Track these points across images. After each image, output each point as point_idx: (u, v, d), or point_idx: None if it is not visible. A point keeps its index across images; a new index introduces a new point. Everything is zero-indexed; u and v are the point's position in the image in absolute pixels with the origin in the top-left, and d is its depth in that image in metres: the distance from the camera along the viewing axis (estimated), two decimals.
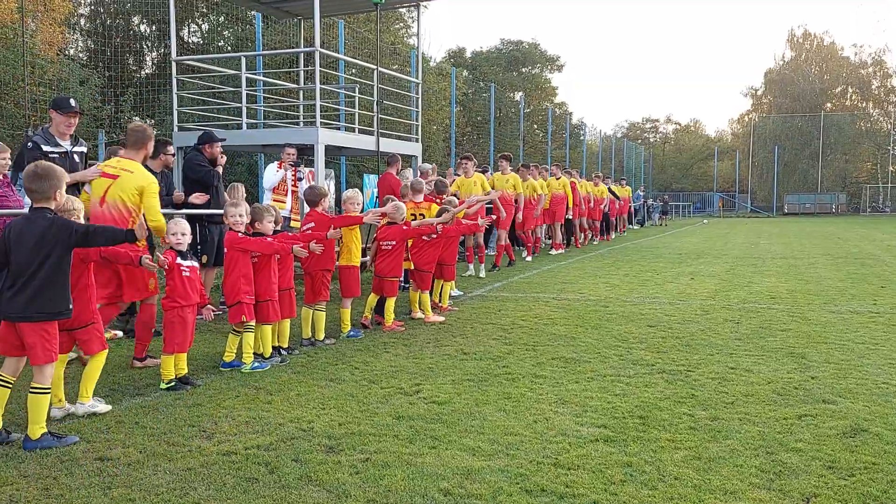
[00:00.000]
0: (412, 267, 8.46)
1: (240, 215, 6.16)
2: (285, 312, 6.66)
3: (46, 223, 4.32)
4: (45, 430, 4.29)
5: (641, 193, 35.35)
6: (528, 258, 15.47)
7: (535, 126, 50.83)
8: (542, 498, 3.52)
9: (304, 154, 11.08)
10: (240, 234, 6.15)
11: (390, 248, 7.77)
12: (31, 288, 4.25)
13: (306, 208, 7.58)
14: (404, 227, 7.81)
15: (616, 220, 25.15)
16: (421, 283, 8.41)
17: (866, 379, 5.69)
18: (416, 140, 13.54)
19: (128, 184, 5.93)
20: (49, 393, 4.38)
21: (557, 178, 17.39)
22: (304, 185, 10.35)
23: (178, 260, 5.42)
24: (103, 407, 4.92)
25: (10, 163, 7.45)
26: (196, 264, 5.63)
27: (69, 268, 4.47)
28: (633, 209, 33.55)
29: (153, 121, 18.65)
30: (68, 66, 17.07)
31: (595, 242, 21.39)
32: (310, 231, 6.99)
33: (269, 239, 6.26)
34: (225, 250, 6.21)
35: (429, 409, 4.94)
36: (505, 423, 4.63)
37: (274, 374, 5.89)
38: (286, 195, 10.06)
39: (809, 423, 4.62)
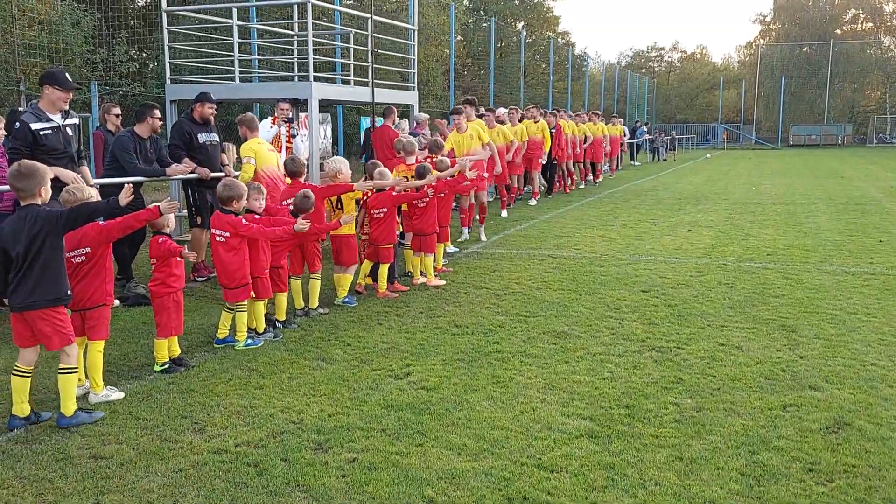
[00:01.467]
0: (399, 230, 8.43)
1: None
2: (282, 287, 6.69)
3: (33, 217, 4.36)
4: (77, 406, 4.44)
5: (644, 128, 34.74)
6: (504, 213, 14.42)
7: (538, 57, 49.90)
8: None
9: (299, 107, 10.92)
10: (244, 219, 6.04)
11: (382, 215, 7.73)
12: (30, 279, 4.37)
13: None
14: (394, 194, 7.75)
15: (608, 160, 24.08)
16: (425, 246, 8.39)
17: (854, 359, 5.73)
18: (413, 89, 13.30)
19: None
20: (76, 371, 4.58)
21: (536, 122, 15.97)
22: (297, 142, 10.24)
23: (171, 245, 5.40)
24: (117, 395, 5.01)
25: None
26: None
27: (62, 253, 4.51)
28: (635, 146, 33.25)
29: (150, 62, 18.27)
30: (59, 7, 16.65)
31: (581, 186, 20.83)
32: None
33: (261, 225, 6.18)
34: (223, 231, 6.05)
35: (417, 396, 5.00)
36: (492, 414, 4.69)
37: (267, 353, 5.94)
38: (280, 152, 9.94)
39: (794, 415, 4.67)
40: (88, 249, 4.79)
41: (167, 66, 11.07)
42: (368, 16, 11.59)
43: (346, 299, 7.52)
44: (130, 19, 18.92)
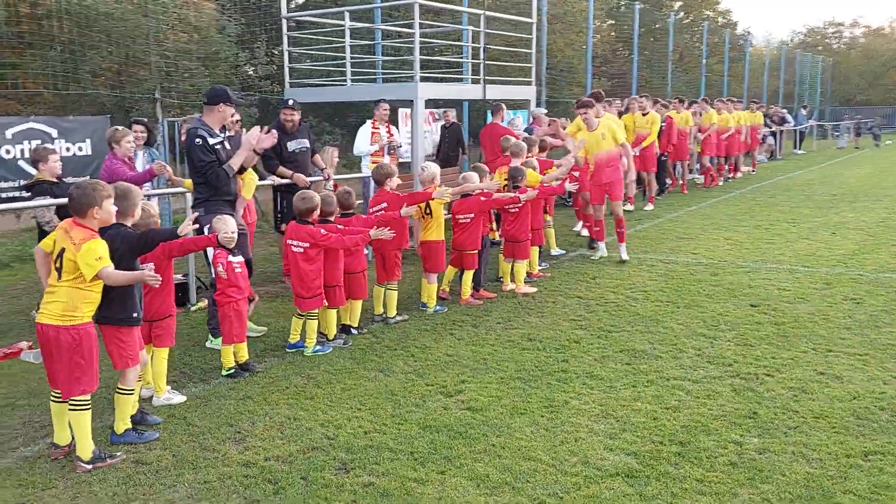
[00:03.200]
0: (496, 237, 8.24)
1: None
2: (358, 294, 6.72)
3: (117, 237, 4.46)
4: (129, 425, 4.61)
5: (804, 111, 32.00)
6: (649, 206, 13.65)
7: (696, 39, 47.33)
8: None
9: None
10: (322, 229, 6.12)
11: (468, 220, 7.58)
12: (105, 297, 4.43)
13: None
14: (482, 199, 7.57)
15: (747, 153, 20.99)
16: (518, 252, 8.17)
17: None
18: (531, 83, 12.99)
19: None
20: (132, 394, 4.64)
21: (644, 114, 13.74)
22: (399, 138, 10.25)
23: (230, 258, 5.55)
24: (178, 398, 5.22)
25: (133, 145, 7.73)
26: (243, 258, 5.75)
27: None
28: (797, 133, 30.84)
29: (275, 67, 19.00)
30: (207, 14, 17.71)
31: (720, 183, 18.47)
32: (383, 212, 6.94)
33: (341, 234, 6.23)
34: (301, 242, 6.11)
35: (460, 417, 4.85)
36: (529, 443, 4.45)
37: (331, 360, 5.99)
38: (382, 155, 10.03)
39: (874, 466, 4.10)
40: (152, 265, 4.99)
41: (286, 69, 11.45)
42: (480, 12, 11.43)
43: (437, 308, 7.44)
44: (270, 23, 19.80)
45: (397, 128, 11.24)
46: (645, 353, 6.07)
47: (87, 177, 9.19)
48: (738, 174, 19.95)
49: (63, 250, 4.08)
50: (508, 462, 4.22)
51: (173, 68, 16.36)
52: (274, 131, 6.81)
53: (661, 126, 14.91)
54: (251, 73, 20.19)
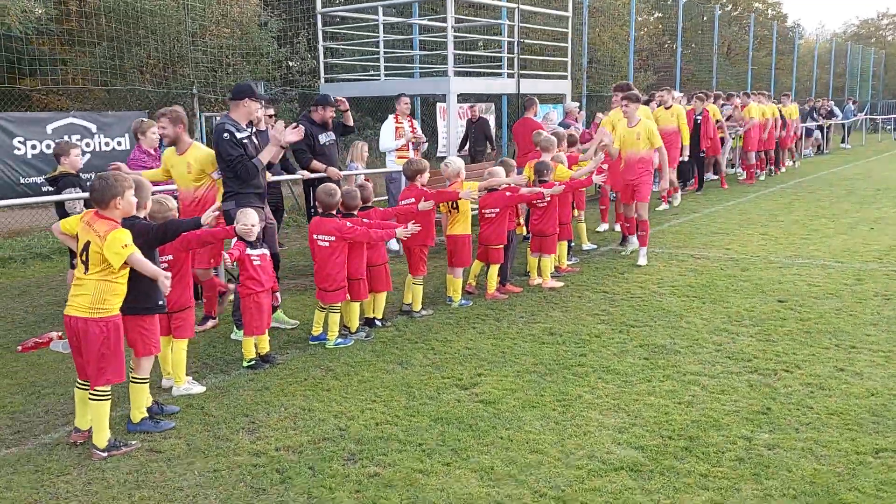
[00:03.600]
0: (524, 231, 8.24)
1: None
2: (381, 287, 6.80)
3: (129, 228, 4.63)
4: (145, 414, 4.76)
5: (852, 106, 31.07)
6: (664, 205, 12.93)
7: (744, 32, 46.36)
8: None
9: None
10: (348, 223, 6.23)
11: (493, 215, 7.61)
12: (130, 287, 4.58)
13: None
14: (507, 194, 7.59)
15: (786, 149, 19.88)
16: (545, 247, 8.18)
17: None
18: (566, 77, 12.93)
19: None
20: (147, 383, 4.79)
21: (667, 107, 12.84)
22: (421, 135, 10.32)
23: (248, 250, 5.67)
24: (198, 388, 5.36)
25: (158, 136, 7.99)
26: (266, 252, 5.87)
27: (156, 264, 4.78)
28: (845, 127, 30.04)
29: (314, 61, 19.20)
30: (248, 10, 18.01)
31: (761, 178, 17.79)
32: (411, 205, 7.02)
33: (367, 227, 6.33)
34: (327, 236, 6.21)
35: (472, 409, 4.89)
36: (538, 436, 4.48)
37: (352, 353, 6.08)
38: (407, 149, 10.08)
39: (883, 463, 4.03)
40: (171, 257, 5.14)
41: (321, 64, 11.60)
42: (515, 6, 11.42)
43: (462, 302, 7.49)
44: (311, 19, 20.05)
45: (419, 120, 11.28)
46: (664, 347, 6.03)
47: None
48: (782, 168, 19.49)
49: (88, 244, 4.22)
50: (514, 454, 4.25)
51: (216, 64, 16.69)
52: (301, 126, 6.94)
53: (697, 119, 14.63)
54: (292, 66, 20.44)
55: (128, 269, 4.30)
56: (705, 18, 39.54)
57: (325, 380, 5.51)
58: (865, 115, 37.55)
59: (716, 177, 18.30)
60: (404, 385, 5.36)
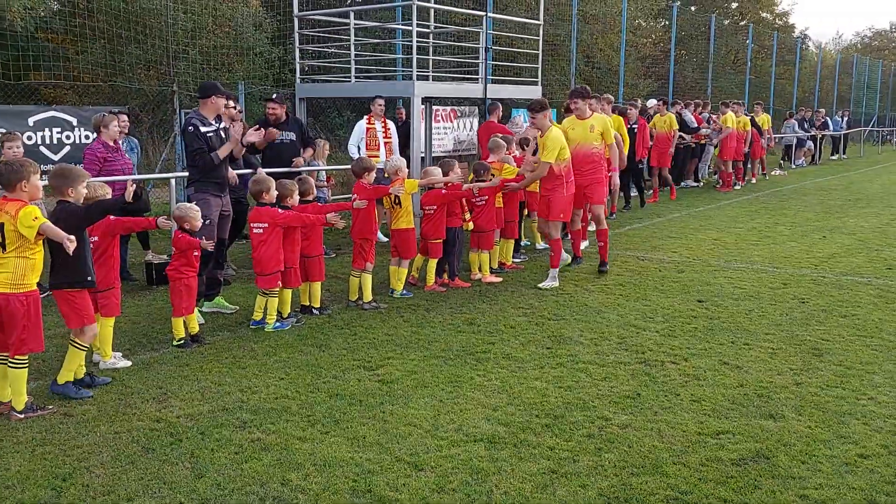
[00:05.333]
0: (471, 227, 8.63)
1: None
2: (315, 277, 7.24)
3: (59, 211, 5.11)
4: (70, 379, 5.21)
5: (839, 118, 31.10)
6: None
7: (755, 43, 46.46)
8: (363, 501, 3.81)
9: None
10: (279, 209, 6.71)
11: (432, 212, 8.03)
12: (56, 264, 5.08)
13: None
14: (442, 192, 8.02)
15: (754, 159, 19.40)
16: (481, 242, 8.59)
17: (860, 393, 5.20)
18: (536, 83, 13.32)
19: None
20: (84, 350, 5.22)
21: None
22: (395, 141, 10.75)
23: (188, 239, 6.13)
24: (123, 363, 5.81)
25: (119, 130, 8.50)
26: (210, 241, 6.40)
27: (83, 244, 5.24)
28: (842, 138, 30.19)
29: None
30: (243, 12, 18.52)
31: (737, 187, 17.83)
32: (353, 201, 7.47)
33: (299, 213, 6.81)
34: (262, 224, 6.66)
35: (369, 387, 5.31)
36: (418, 411, 4.89)
37: (278, 336, 6.51)
38: (378, 149, 10.52)
39: (718, 443, 4.42)
40: (96, 238, 5.59)
41: (297, 66, 12.05)
42: (483, 13, 11.83)
43: (404, 293, 7.90)
44: (304, 22, 20.56)
45: (395, 122, 11.69)
46: (570, 339, 6.42)
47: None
48: (752, 179, 19.30)
49: (2, 225, 4.67)
50: (390, 426, 4.67)
51: (213, 62, 17.23)
52: (262, 130, 7.44)
53: (633, 128, 13.98)
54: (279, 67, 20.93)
55: (41, 245, 4.74)
56: (705, 29, 39.85)
57: (243, 359, 5.94)
58: (872, 127, 37.63)
59: (696, 184, 18.67)
60: (315, 365, 5.78)
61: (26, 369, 4.84)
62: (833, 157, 29.13)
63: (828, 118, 28.77)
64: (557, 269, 8.52)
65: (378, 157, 10.54)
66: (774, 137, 22.64)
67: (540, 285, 8.29)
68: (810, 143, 26.71)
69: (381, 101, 10.56)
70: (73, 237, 4.67)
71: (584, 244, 9.85)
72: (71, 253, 4.68)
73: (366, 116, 10.67)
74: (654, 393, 5.20)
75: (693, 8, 46.03)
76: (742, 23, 45.84)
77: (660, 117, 15.51)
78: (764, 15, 50.30)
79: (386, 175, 8.23)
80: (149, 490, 3.90)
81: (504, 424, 4.69)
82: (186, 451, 4.34)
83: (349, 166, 10.42)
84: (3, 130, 9.09)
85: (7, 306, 4.71)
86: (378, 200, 8.11)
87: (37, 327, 4.81)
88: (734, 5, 50.03)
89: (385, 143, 10.75)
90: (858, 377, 5.51)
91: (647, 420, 4.75)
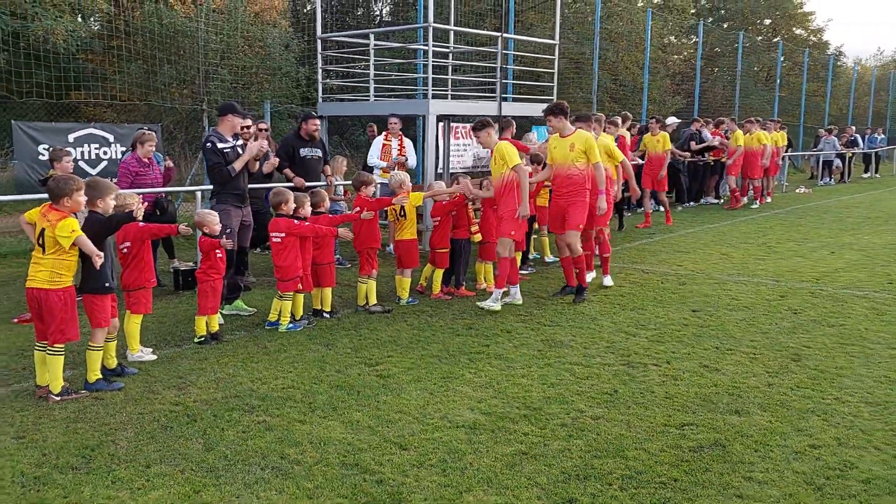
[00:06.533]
0: (478, 238, 9.10)
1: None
2: (326, 283, 7.76)
3: (86, 220, 5.68)
4: (100, 376, 5.74)
5: (877, 136, 30.92)
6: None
7: (785, 59, 46.39)
8: (351, 472, 4.28)
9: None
10: (296, 220, 7.27)
11: (437, 223, 8.52)
12: (83, 272, 5.62)
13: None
14: (443, 204, 8.52)
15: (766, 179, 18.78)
16: (485, 254, 9.05)
17: (830, 395, 5.55)
18: (552, 101, 13.78)
19: None
20: (101, 350, 5.74)
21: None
22: (412, 160, 11.29)
23: (211, 242, 6.70)
24: (149, 356, 6.38)
25: (153, 147, 9.15)
26: (232, 247, 7.00)
27: (106, 253, 5.73)
28: (874, 156, 30.07)
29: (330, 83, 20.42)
30: (271, 32, 19.31)
31: (754, 206, 17.79)
32: (356, 213, 8.00)
33: (313, 225, 7.37)
34: (280, 233, 7.19)
35: (367, 380, 5.79)
36: (409, 402, 5.35)
37: (291, 336, 7.03)
38: (393, 167, 11.05)
39: (681, 434, 4.81)
40: (129, 244, 6.18)
41: (319, 84, 12.68)
42: (499, 35, 12.36)
43: (411, 300, 8.40)
44: (329, 43, 21.34)
45: (412, 140, 12.24)
46: (561, 343, 6.84)
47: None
48: (767, 199, 18.94)
49: (43, 230, 5.27)
50: (382, 413, 5.14)
51: (243, 81, 18.02)
52: (262, 142, 8.03)
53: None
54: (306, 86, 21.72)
55: (77, 249, 5.32)
56: (739, 45, 39.94)
57: (257, 355, 6.47)
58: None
59: (716, 201, 18.91)
60: (320, 361, 6.28)
61: (63, 356, 5.40)
62: (865, 176, 29.01)
63: (857, 136, 28.68)
64: (502, 291, 8.11)
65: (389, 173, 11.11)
66: (805, 155, 22.60)
67: (480, 304, 8.04)
68: (838, 161, 26.73)
69: (395, 120, 11.12)
70: (101, 253, 5.24)
71: (590, 275, 9.20)
72: (98, 267, 5.27)
73: (383, 133, 11.24)
74: (631, 390, 5.60)
75: (725, 25, 46.25)
76: (775, 39, 45.86)
77: (650, 136, 14.95)
78: (798, 31, 50.22)
79: (391, 189, 8.73)
80: (165, 459, 4.42)
81: (485, 414, 5.13)
82: (199, 430, 4.85)
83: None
84: (50, 147, 9.78)
85: (46, 300, 5.29)
86: (384, 214, 8.63)
87: (73, 319, 5.38)
88: (767, 22, 50.05)
89: (399, 162, 11.29)
90: (829, 380, 5.85)
91: (618, 413, 5.16)
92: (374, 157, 11.21)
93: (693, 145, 17.82)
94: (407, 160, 11.26)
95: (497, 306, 7.95)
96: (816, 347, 6.70)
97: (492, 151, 8.24)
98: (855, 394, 5.55)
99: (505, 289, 8.21)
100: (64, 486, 4.11)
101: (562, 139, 8.50)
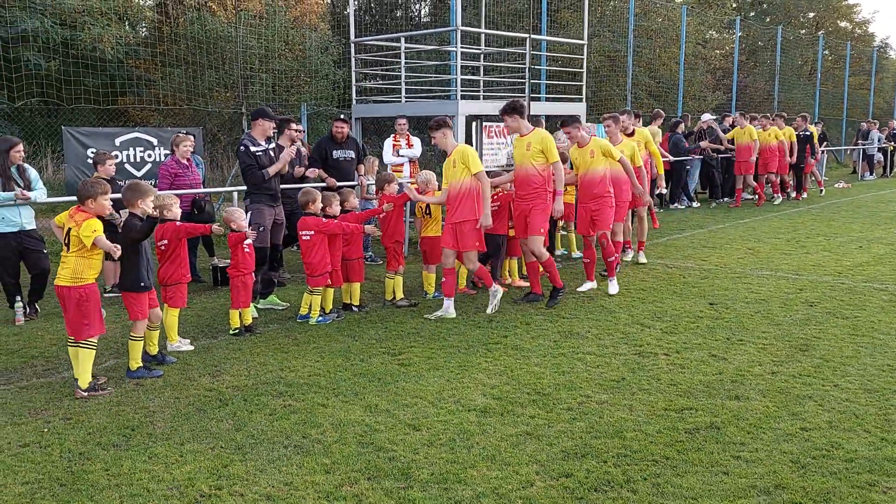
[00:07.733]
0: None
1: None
2: (355, 277, 8.15)
3: (125, 222, 6.16)
4: (140, 364, 6.19)
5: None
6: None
7: (827, 53, 45.64)
8: (366, 450, 4.64)
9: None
10: (324, 218, 7.69)
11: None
12: (122, 271, 6.12)
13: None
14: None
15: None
16: (510, 250, 9.34)
17: (830, 383, 5.75)
18: (581, 100, 14.02)
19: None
20: (141, 340, 6.19)
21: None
22: (416, 150, 11.70)
23: (236, 237, 7.14)
24: (187, 346, 6.84)
25: (191, 149, 9.66)
26: (263, 245, 7.44)
27: (141, 253, 6.13)
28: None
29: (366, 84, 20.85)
30: (310, 36, 19.84)
31: (776, 202, 17.88)
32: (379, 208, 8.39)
33: (340, 223, 7.77)
34: (309, 231, 7.59)
35: (389, 369, 6.15)
36: (426, 387, 5.69)
37: (320, 329, 7.44)
38: (401, 164, 11.51)
39: (680, 417, 5.06)
40: (166, 241, 6.64)
41: (353, 87, 13.11)
42: (526, 35, 12.63)
43: (436, 294, 8.75)
44: (363, 46, 21.81)
45: (420, 139, 12.57)
46: (577, 334, 7.12)
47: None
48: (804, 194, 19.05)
49: (69, 230, 5.72)
50: (400, 398, 5.49)
51: (283, 84, 18.59)
52: (292, 148, 8.45)
53: None
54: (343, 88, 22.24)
55: (100, 251, 5.72)
56: (778, 38, 39.44)
57: (287, 345, 6.88)
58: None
59: (750, 197, 18.86)
60: (346, 351, 6.67)
61: (93, 350, 5.82)
62: None
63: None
64: (452, 300, 7.90)
65: (401, 171, 11.51)
66: (847, 149, 22.33)
67: (428, 316, 7.83)
68: (879, 156, 26.33)
69: (403, 121, 11.56)
70: (118, 246, 5.67)
71: (589, 285, 9.07)
72: (116, 258, 5.72)
73: (392, 135, 11.69)
74: (638, 378, 5.87)
75: (767, 19, 45.63)
76: (820, 33, 45.14)
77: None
78: (843, 24, 49.33)
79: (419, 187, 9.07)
80: (197, 437, 4.84)
81: (496, 399, 5.45)
82: (230, 412, 5.27)
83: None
84: (95, 150, 10.38)
85: (68, 297, 5.71)
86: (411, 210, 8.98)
87: (96, 314, 5.77)
88: (811, 15, 49.23)
89: (409, 160, 11.71)
90: (832, 368, 6.03)
91: (622, 398, 5.43)
92: (386, 156, 11.67)
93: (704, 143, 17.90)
94: (412, 149, 11.67)
95: (450, 314, 7.82)
96: (826, 338, 6.87)
97: (449, 153, 7.89)
98: (855, 381, 5.73)
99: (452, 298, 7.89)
100: (105, 461, 4.54)
101: (520, 138, 8.21)
